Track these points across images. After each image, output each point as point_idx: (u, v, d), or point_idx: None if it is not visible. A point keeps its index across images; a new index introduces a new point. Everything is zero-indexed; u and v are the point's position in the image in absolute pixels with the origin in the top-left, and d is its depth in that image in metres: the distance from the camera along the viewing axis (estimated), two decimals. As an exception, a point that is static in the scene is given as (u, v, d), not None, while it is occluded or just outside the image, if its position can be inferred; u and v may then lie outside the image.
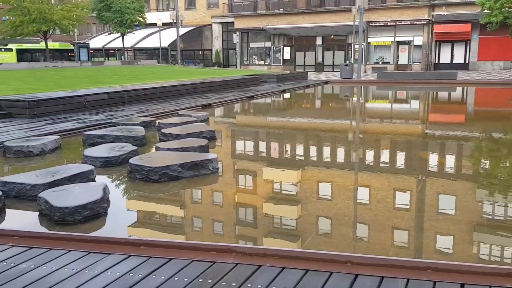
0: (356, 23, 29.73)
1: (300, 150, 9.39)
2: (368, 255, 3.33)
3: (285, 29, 38.40)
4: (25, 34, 32.85)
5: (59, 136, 8.64)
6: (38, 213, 4.90)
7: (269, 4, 38.80)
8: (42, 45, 38.82)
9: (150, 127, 10.37)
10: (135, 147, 7.73)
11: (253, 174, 7.24)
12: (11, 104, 11.51)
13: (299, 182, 6.75)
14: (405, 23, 35.44)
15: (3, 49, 39.42)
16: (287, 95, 20.17)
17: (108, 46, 44.84)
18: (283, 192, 6.23)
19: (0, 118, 11.17)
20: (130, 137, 8.63)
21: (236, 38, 40.46)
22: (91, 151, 7.36)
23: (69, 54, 44.34)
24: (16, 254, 3.44)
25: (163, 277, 3.06)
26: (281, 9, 38.06)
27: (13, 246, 3.60)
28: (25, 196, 5.43)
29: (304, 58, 40.18)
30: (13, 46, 39.90)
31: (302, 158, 8.61)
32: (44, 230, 4.51)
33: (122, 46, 39.69)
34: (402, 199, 5.80)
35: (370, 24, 36.18)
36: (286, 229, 4.86)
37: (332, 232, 4.68)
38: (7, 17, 33.76)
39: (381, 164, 7.80)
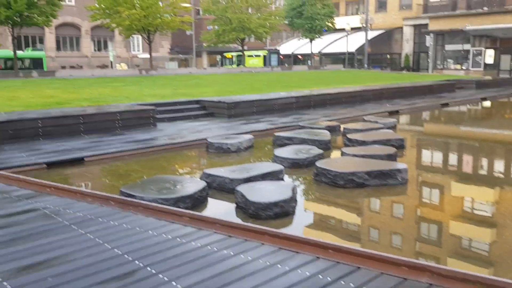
0: None
1: (499, 166, 8.32)
2: None
3: (489, 30, 34.47)
4: (226, 41, 36.65)
5: (252, 136, 9.33)
6: (235, 205, 5.37)
7: (471, 3, 35.33)
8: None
9: (335, 132, 10.45)
10: (321, 151, 7.87)
11: (444, 189, 6.68)
12: (213, 105, 12.91)
13: (495, 203, 5.98)
14: None
15: (254, 55, 45.23)
16: (487, 104, 18.11)
17: (297, 51, 46.88)
18: (477, 212, 5.59)
19: (204, 116, 12.65)
20: (316, 140, 8.82)
21: (429, 40, 37.94)
22: (280, 152, 7.74)
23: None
24: (218, 241, 3.81)
25: (352, 284, 3.02)
26: (485, 8, 34.29)
27: (215, 233, 4.00)
28: (225, 188, 6.01)
29: (511, 62, 35.52)
30: (261, 53, 45.06)
31: (502, 175, 7.60)
32: (239, 221, 4.91)
33: (310, 51, 41.02)
34: None
35: None
36: (479, 254, 4.34)
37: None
38: (212, 26, 38.12)
39: None
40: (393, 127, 10.91)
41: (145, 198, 5.15)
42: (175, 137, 9.62)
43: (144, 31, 28.05)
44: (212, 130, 10.55)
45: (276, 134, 9.42)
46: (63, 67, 41.17)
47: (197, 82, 19.42)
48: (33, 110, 10.49)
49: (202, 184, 5.79)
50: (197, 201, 5.45)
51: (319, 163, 6.69)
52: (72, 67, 41.96)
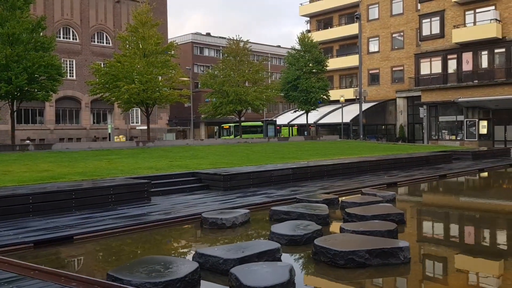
0: None
1: (502, 237, 8.05)
2: None
3: (481, 102, 35.32)
4: (223, 113, 37.35)
5: (248, 210, 9.09)
6: (228, 288, 5.04)
7: (461, 76, 36.50)
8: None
9: (333, 205, 10.22)
10: (319, 226, 7.61)
11: (448, 265, 6.36)
12: (209, 177, 12.76)
13: (501, 276, 5.67)
14: None
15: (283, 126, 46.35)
16: (485, 174, 18.04)
17: (293, 122, 47.70)
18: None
19: (200, 189, 12.45)
20: (314, 215, 8.58)
21: (423, 112, 38.74)
22: (277, 228, 7.48)
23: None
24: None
25: None
26: (476, 81, 35.36)
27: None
28: (218, 270, 5.69)
29: (505, 133, 36.01)
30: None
31: (505, 246, 7.32)
32: (233, 308, 4.57)
33: (305, 122, 41.70)
34: None
35: None
36: None
37: None
38: (209, 99, 39.06)
39: None
40: (392, 200, 10.70)
41: (133, 282, 4.83)
42: (169, 212, 9.36)
43: (142, 104, 28.59)
44: (207, 204, 10.31)
45: (273, 208, 9.19)
46: (62, 139, 41.51)
47: (193, 153, 19.40)
48: (25, 186, 10.29)
49: (194, 265, 5.48)
50: (188, 284, 5.12)
51: (318, 241, 6.42)
52: (70, 139, 42.32)
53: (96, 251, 7.26)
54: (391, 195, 11.00)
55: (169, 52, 29.89)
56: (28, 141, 38.56)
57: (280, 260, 6.13)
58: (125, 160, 16.15)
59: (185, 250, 7.27)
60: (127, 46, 28.57)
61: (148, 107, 28.85)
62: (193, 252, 6.13)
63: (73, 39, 44.63)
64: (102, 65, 29.03)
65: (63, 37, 43.94)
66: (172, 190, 11.99)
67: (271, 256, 6.10)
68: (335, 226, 8.41)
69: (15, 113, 24.13)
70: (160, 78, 29.09)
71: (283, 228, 7.53)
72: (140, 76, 26.86)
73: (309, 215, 8.61)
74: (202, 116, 41.77)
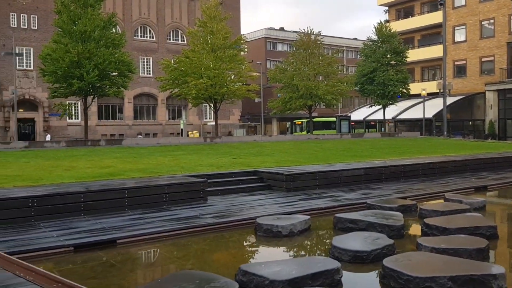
0: None
1: None
2: None
3: None
4: (293, 109, 36.25)
5: (309, 217, 8.03)
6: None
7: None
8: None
9: (410, 213, 8.86)
10: (391, 241, 6.38)
11: None
12: (271, 176, 11.84)
13: None
14: None
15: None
16: None
17: (369, 118, 45.46)
18: None
19: (260, 189, 11.57)
20: (386, 225, 7.34)
21: (516, 106, 34.90)
22: (340, 240, 6.38)
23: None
24: None
25: None
26: None
27: None
28: (262, 293, 4.75)
29: None
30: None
31: None
32: None
33: (383, 117, 39.42)
34: None
35: None
36: None
37: None
38: (280, 94, 38.15)
39: None
40: (481, 209, 9.09)
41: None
42: (223, 215, 8.58)
43: (210, 100, 28.38)
44: (266, 207, 9.41)
45: (338, 215, 8.05)
46: (139, 134, 42.89)
47: (259, 150, 18.62)
48: (81, 183, 10.05)
49: (233, 287, 4.60)
50: (221, 312, 4.23)
51: (388, 262, 5.25)
52: (147, 134, 43.62)
53: (136, 259, 6.63)
54: (480, 202, 9.37)
55: (238, 47, 29.41)
56: (140, 136, 40.35)
57: (340, 283, 5.06)
58: (189, 156, 15.74)
59: (230, 262, 6.40)
60: (196, 41, 28.50)
61: (216, 102, 28.62)
62: (238, 267, 5.24)
63: (150, 37, 45.88)
64: (172, 62, 29.19)
65: (141, 36, 45.32)
66: (231, 190, 11.24)
67: (329, 277, 5.05)
68: (411, 241, 7.12)
69: (97, 110, 24.91)
70: (229, 72, 28.70)
71: (347, 240, 6.41)
72: (208, 71, 26.62)
73: (380, 225, 7.37)
74: (271, 111, 40.99)
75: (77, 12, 22.46)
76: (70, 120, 38.63)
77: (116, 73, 23.45)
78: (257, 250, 6.97)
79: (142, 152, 17.24)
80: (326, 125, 47.20)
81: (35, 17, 38.08)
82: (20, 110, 37.40)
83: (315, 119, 44.86)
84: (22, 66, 37.71)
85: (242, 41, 30.01)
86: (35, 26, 38.06)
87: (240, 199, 10.36)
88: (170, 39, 47.06)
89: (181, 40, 46.68)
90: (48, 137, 36.30)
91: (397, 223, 7.43)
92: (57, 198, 8.55)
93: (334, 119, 46.01)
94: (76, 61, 21.82)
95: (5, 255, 5.85)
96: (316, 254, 6.57)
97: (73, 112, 36.26)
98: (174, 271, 5.82)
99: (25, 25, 38.00)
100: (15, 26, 37.61)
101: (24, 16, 38.01)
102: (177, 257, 6.60)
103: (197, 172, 11.73)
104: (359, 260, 5.88)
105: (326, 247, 6.56)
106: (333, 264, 5.28)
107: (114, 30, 24.65)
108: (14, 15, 37.67)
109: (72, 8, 22.62)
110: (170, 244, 7.14)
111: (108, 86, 23.70)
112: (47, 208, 8.35)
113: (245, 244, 7.40)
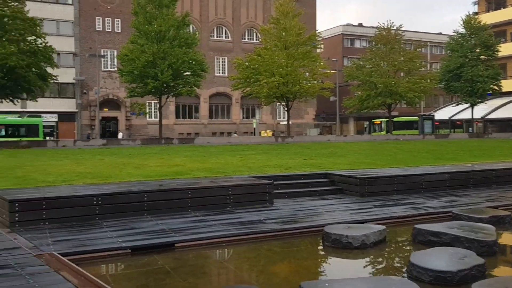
0: None
1: None
2: None
3: None
4: (370, 107, 34.58)
5: (384, 227, 7.16)
6: None
7: None
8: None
9: (504, 225, 7.67)
10: (481, 260, 5.39)
11: None
12: (343, 180, 11.00)
13: None
14: None
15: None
16: None
17: (455, 117, 42.39)
18: None
19: (331, 193, 10.79)
20: (475, 240, 6.30)
21: None
22: (419, 257, 5.50)
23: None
24: None
25: None
26: None
27: None
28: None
29: None
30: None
31: None
32: None
33: (470, 117, 36.46)
34: None
35: None
36: None
37: None
38: (357, 92, 36.60)
39: None
40: None
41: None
42: (288, 221, 7.97)
43: (282, 98, 27.83)
44: (336, 213, 8.66)
45: (418, 226, 7.09)
46: (214, 133, 43.54)
47: (332, 151, 17.75)
48: (147, 181, 9.94)
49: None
50: None
51: (478, 287, 4.35)
52: (221, 133, 44.14)
53: (191, 266, 6.21)
54: None
55: (314, 43, 28.57)
56: (235, 134, 41.35)
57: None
58: (258, 156, 15.31)
59: (291, 276, 5.75)
60: (269, 38, 28.10)
61: (288, 101, 27.99)
62: (299, 285, 4.61)
63: (225, 37, 46.40)
64: (244, 60, 29.03)
65: (217, 36, 45.96)
66: (299, 193, 10.57)
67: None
68: (505, 260, 6.03)
69: (175, 109, 25.44)
70: (301, 70, 27.96)
71: (428, 257, 5.52)
72: (280, 69, 26.09)
73: (467, 239, 6.35)
74: (347, 110, 39.51)
75: (152, 13, 23.06)
76: (150, 119, 40.07)
77: (189, 72, 23.74)
78: (322, 263, 6.28)
79: (212, 151, 17.13)
80: (408, 125, 44.72)
81: (118, 21, 39.99)
82: (105, 109, 39.49)
83: (395, 119, 42.67)
84: (107, 67, 39.78)
85: (317, 38, 29.10)
86: (118, 29, 39.96)
87: (308, 204, 9.66)
88: (245, 39, 47.26)
89: (256, 39, 46.68)
90: (120, 135, 37.98)
91: (489, 238, 6.36)
92: (121, 197, 8.43)
93: (416, 118, 43.44)
94: (151, 61, 22.39)
95: (60, 257, 5.70)
96: (391, 273, 5.73)
97: (153, 111, 37.58)
98: (228, 284, 5.32)
99: (109, 28, 40.05)
100: (100, 29, 39.77)
101: (109, 20, 40.07)
102: (235, 267, 6.09)
103: (264, 173, 11.22)
104: (442, 282, 4.99)
105: (403, 263, 5.72)
106: (410, 286, 4.48)
107: (188, 30, 24.99)
108: (99, 19, 39.85)
109: (148, 9, 23.27)
110: (229, 251, 6.69)
111: (181, 85, 24.07)
112: (111, 207, 8.25)
113: (310, 255, 6.71)
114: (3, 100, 20.56)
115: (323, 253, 6.58)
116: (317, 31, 31.18)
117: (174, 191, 8.92)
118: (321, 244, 6.78)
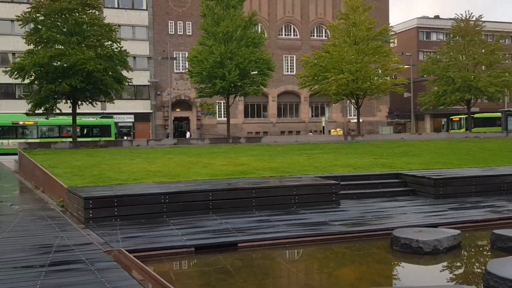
0: None
1: None
2: None
3: None
4: (447, 103, 32.64)
5: (459, 231, 6.67)
6: None
7: None
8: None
9: None
10: None
11: None
12: (416, 180, 10.44)
13: None
14: None
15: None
16: None
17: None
18: None
19: (402, 195, 10.28)
20: None
21: None
22: (498, 266, 5.02)
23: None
24: None
25: None
26: None
27: None
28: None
29: None
30: None
31: None
32: None
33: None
34: None
35: None
36: None
37: None
38: (433, 88, 34.70)
39: None
40: None
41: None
42: (355, 223, 7.68)
43: (352, 96, 27.07)
44: (407, 216, 8.24)
45: (497, 232, 6.52)
46: (282, 132, 43.47)
47: (405, 150, 16.94)
48: (211, 180, 10.05)
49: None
50: None
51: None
52: (289, 132, 43.98)
53: (252, 267, 6.15)
54: None
55: (386, 38, 27.50)
56: (310, 133, 41.49)
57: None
58: (325, 155, 14.99)
59: (356, 283, 5.49)
60: (337, 34, 27.42)
61: (358, 98, 27.17)
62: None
63: (293, 35, 46.12)
64: (312, 58, 28.59)
65: (285, 34, 45.82)
66: (368, 194, 10.18)
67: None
68: None
69: (243, 108, 25.74)
70: (372, 66, 27.01)
71: (507, 266, 5.03)
72: (349, 65, 25.37)
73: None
74: (423, 107, 37.63)
75: (220, 14, 23.45)
76: (219, 119, 40.87)
77: (256, 72, 23.85)
78: (390, 269, 5.96)
79: (278, 150, 17.03)
80: (489, 122, 41.78)
81: (189, 23, 41.19)
82: (177, 109, 40.85)
83: (475, 115, 40.03)
84: (179, 69, 41.14)
85: (389, 32, 27.94)
86: (189, 32, 41.16)
87: (378, 205, 9.27)
88: (313, 36, 46.68)
89: (325, 36, 45.98)
90: (187, 135, 39.09)
91: None
92: (187, 195, 8.59)
93: (499, 114, 40.45)
94: (219, 61, 22.79)
95: (127, 253, 5.90)
96: (465, 282, 5.29)
97: (222, 111, 38.26)
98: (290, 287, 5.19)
99: (181, 31, 41.37)
100: (173, 33, 41.18)
101: (180, 23, 41.39)
102: (297, 270, 5.95)
103: (331, 173, 10.92)
104: (526, 296, 4.50)
105: (479, 272, 5.25)
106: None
107: (255, 29, 25.12)
108: (171, 23, 41.28)
109: (216, 11, 23.70)
110: (292, 252, 6.56)
111: (248, 85, 24.25)
112: (177, 205, 8.43)
113: (377, 260, 6.38)
114: (83, 102, 21.94)
115: (391, 258, 6.24)
116: (389, 25, 29.94)
117: (238, 190, 8.94)
118: (389, 248, 6.44)
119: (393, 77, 30.69)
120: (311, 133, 40.73)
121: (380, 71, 27.33)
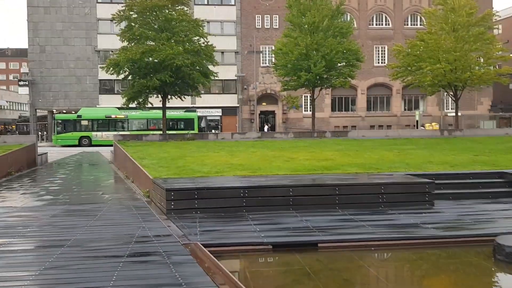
0: None
1: None
2: None
3: None
4: None
5: None
6: None
7: None
8: None
9: None
10: None
11: None
12: (524, 181, 9.20)
13: None
14: None
15: None
16: None
17: None
18: None
19: (506, 196, 9.11)
20: None
21: None
22: None
23: None
24: None
25: None
26: None
27: None
28: None
29: None
30: None
31: None
32: None
33: None
34: None
35: None
36: None
37: None
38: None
39: None
40: None
41: None
42: (450, 227, 6.90)
43: (449, 87, 24.97)
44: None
45: None
46: (372, 127, 41.79)
47: (510, 146, 15.24)
48: (293, 175, 9.69)
49: None
50: None
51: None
52: (380, 126, 42.17)
53: (333, 270, 5.70)
54: None
55: (489, 24, 25.02)
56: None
57: None
58: (418, 151, 13.93)
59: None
60: (434, 21, 25.41)
61: (456, 90, 25.01)
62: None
63: (385, 24, 43.95)
64: (404, 47, 26.82)
65: (376, 24, 43.83)
66: (466, 195, 9.17)
67: None
68: None
69: (331, 102, 25.02)
70: (473, 55, 24.70)
71: None
72: (447, 54, 23.36)
73: None
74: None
75: (306, 4, 22.86)
76: (306, 112, 40.26)
77: (343, 63, 22.94)
78: (492, 282, 5.17)
79: (366, 145, 16.20)
80: None
81: (276, 17, 40.98)
82: (263, 103, 40.99)
83: None
84: (265, 63, 41.19)
85: (493, 17, 25.39)
86: (276, 25, 40.96)
87: (478, 207, 8.31)
88: (407, 24, 44.12)
89: (420, 24, 43.27)
90: (265, 128, 38.94)
91: None
92: (267, 190, 8.33)
93: None
94: (304, 53, 22.25)
95: (203, 248, 5.76)
96: None
97: (308, 104, 37.64)
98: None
99: (268, 25, 41.33)
100: (260, 27, 41.28)
101: (267, 17, 41.35)
102: (382, 276, 5.40)
103: (424, 171, 10.03)
104: None
105: None
106: None
107: (342, 19, 24.13)
108: (259, 17, 41.38)
109: (302, 1, 23.14)
110: (377, 256, 6.02)
111: (334, 77, 23.43)
112: (257, 200, 8.20)
113: (476, 270, 5.61)
114: (173, 96, 22.69)
115: (493, 268, 5.44)
116: (493, 10, 27.20)
117: (320, 186, 8.49)
118: (491, 257, 5.64)
119: (497, 67, 27.88)
120: (422, 128, 38.20)
121: (482, 60, 24.90)
